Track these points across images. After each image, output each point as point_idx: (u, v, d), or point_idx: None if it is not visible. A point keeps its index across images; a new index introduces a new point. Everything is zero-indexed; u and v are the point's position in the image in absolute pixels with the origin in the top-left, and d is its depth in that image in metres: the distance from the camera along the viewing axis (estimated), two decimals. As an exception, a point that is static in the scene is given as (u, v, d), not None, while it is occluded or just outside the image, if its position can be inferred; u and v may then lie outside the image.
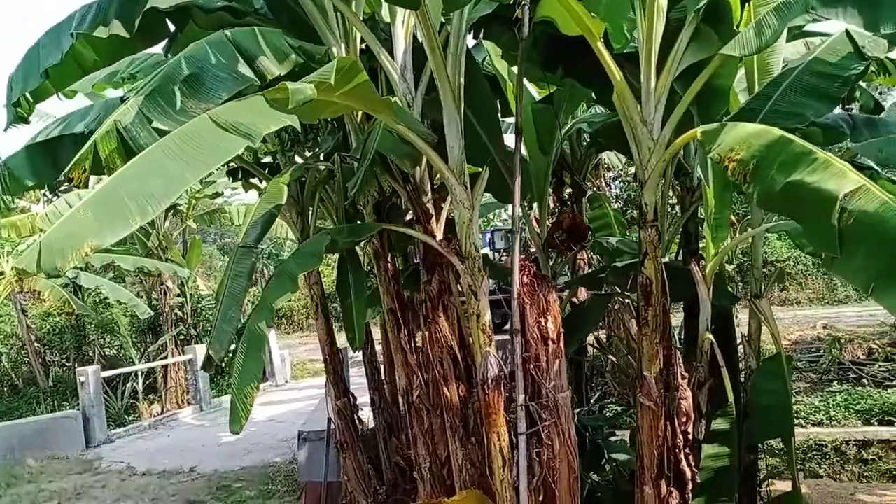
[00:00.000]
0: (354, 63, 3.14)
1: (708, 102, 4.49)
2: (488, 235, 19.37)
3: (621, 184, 12.36)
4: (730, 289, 6.68)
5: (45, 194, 18.94)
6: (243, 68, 3.48)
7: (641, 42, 4.17)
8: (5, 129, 5.85)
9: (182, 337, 16.51)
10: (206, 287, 17.98)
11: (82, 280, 13.02)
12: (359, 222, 4.59)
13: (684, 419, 4.42)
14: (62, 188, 18.22)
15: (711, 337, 4.66)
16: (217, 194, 17.36)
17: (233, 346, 4.17)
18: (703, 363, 4.74)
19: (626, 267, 5.55)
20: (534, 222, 7.46)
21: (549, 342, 4.21)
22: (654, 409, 4.28)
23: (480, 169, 6.41)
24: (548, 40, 5.23)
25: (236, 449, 9.65)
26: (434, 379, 4.87)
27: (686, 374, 4.45)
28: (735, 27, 3.97)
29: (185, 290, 16.68)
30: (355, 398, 6.94)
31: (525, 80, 5.58)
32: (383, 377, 7.49)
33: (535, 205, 6.93)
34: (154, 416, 13.98)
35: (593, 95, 6.74)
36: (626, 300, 6.69)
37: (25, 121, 5.78)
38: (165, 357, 15.86)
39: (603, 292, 6.04)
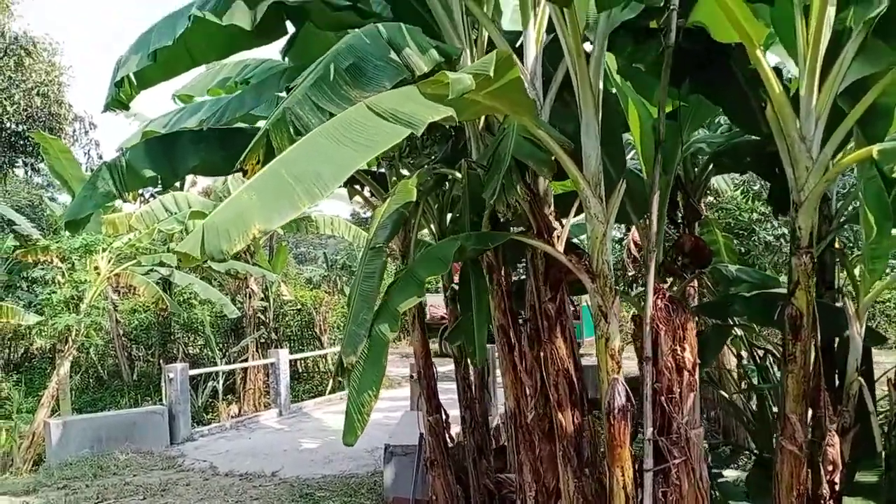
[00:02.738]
0: (510, 56, 2.94)
1: (872, 121, 4.09)
2: None
3: (719, 211, 11.78)
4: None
5: (140, 194, 19.69)
6: (398, 60, 3.33)
7: (802, 53, 3.81)
8: (103, 111, 5.81)
9: (263, 340, 16.72)
10: (289, 293, 18.19)
11: (176, 278, 13.29)
12: (482, 231, 4.36)
13: (831, 468, 4.00)
14: (158, 189, 18.90)
15: (862, 380, 4.21)
16: (304, 202, 17.58)
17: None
18: (850, 407, 4.29)
19: (756, 297, 5.14)
20: (632, 245, 7.11)
21: (685, 373, 3.88)
22: (799, 454, 3.88)
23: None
24: (674, 53, 4.93)
25: (317, 457, 9.57)
26: (547, 403, 4.60)
27: (834, 418, 4.03)
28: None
29: (269, 294, 16.91)
30: (448, 415, 6.71)
31: (640, 97, 5.30)
32: (474, 395, 7.28)
33: (633, 227, 6.59)
34: (232, 417, 14.14)
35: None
36: (747, 332, 6.23)
37: (125, 106, 5.72)
38: (246, 359, 16.07)
39: (724, 323, 5.64)
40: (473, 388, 7.24)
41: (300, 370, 17.50)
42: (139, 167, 5.69)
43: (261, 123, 6.62)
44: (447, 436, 6.65)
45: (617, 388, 3.83)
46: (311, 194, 2.47)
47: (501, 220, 4.58)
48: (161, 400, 15.43)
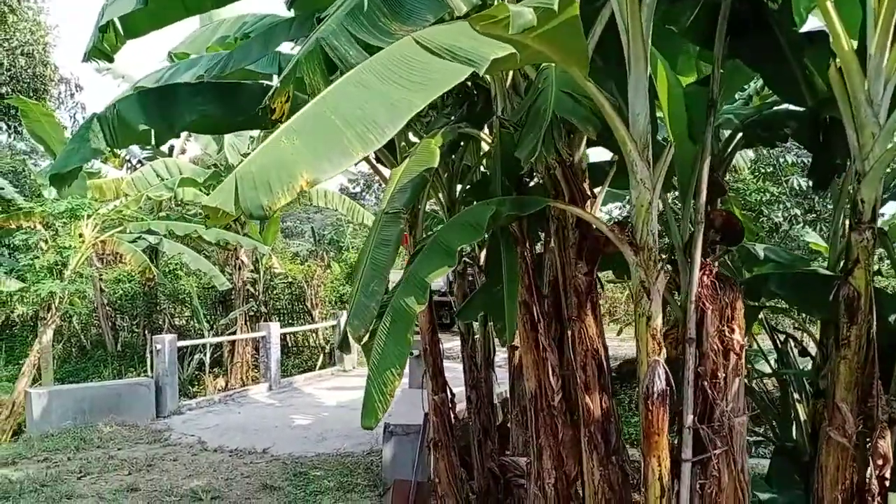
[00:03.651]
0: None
1: (943, 86, 3.75)
2: None
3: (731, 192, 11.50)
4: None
5: (128, 160, 19.12)
6: (441, -9, 2.94)
7: (874, 8, 3.46)
8: (84, 60, 5.28)
9: (252, 313, 16.33)
10: (280, 265, 17.77)
11: (165, 247, 12.85)
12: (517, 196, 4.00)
13: (881, 462, 3.70)
14: (146, 155, 18.35)
15: (915, 367, 3.91)
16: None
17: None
18: (901, 397, 3.99)
19: (793, 277, 4.84)
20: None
21: (732, 356, 3.56)
22: (848, 446, 3.59)
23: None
24: (712, 12, 4.57)
25: (310, 434, 9.25)
26: (574, 385, 4.29)
27: (886, 409, 3.73)
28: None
29: (259, 266, 16.49)
30: (454, 394, 6.39)
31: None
32: (480, 374, 6.97)
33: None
34: (218, 390, 13.79)
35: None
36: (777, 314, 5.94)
37: (109, 57, 5.22)
38: (235, 332, 15.68)
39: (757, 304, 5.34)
40: (480, 366, 6.94)
41: (289, 344, 17.14)
42: (132, 120, 5.28)
43: (274, 79, 6.23)
44: (452, 416, 6.33)
45: (658, 371, 3.50)
46: (364, 141, 2.06)
47: (530, 185, 4.23)
48: (146, 371, 15.06)
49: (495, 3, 3.91)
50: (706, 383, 3.59)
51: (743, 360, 3.63)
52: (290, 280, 17.57)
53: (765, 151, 11.78)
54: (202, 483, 7.06)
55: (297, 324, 16.88)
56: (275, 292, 17.43)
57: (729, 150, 6.83)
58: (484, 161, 6.59)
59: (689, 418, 3.63)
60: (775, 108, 5.73)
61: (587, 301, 4.10)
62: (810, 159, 12.03)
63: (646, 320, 3.55)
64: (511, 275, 3.69)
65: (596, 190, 4.53)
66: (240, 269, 16.10)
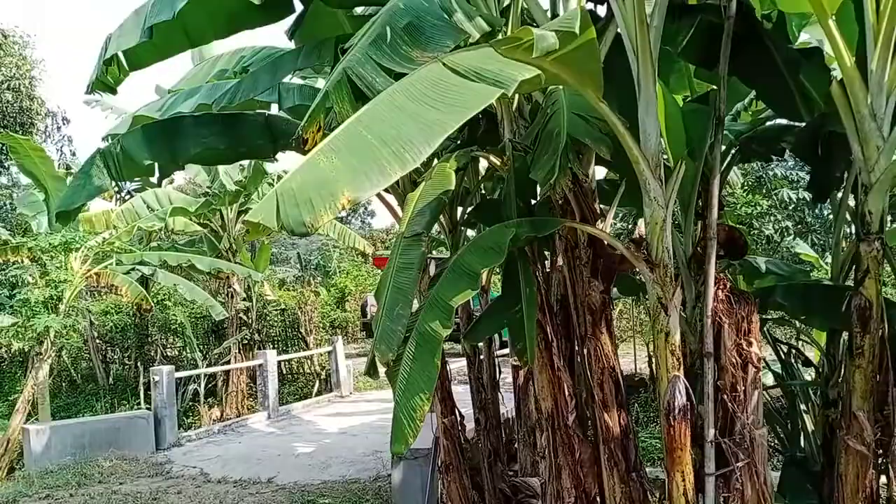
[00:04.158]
0: (586, 13, 2.63)
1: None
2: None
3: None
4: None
5: (117, 192, 19.06)
6: (459, 19, 3.00)
7: (873, 26, 3.57)
8: (87, 92, 5.35)
9: (246, 342, 16.21)
10: (272, 292, 17.68)
11: (160, 277, 12.78)
12: (534, 217, 4.05)
13: (900, 469, 3.75)
14: (135, 186, 18.28)
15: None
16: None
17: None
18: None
19: (797, 289, 4.91)
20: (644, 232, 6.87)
21: (750, 368, 3.61)
22: (867, 454, 3.64)
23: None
24: (708, 31, 4.69)
25: (314, 461, 9.17)
26: (590, 404, 4.32)
27: (902, 416, 3.79)
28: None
29: (252, 294, 16.41)
30: (463, 416, 6.39)
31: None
32: (487, 395, 6.97)
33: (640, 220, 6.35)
34: (214, 421, 13.65)
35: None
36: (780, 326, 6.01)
37: (112, 89, 5.29)
38: (228, 361, 15.55)
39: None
40: (487, 387, 6.94)
41: (284, 372, 17.02)
42: (136, 154, 5.31)
43: (273, 108, 6.27)
44: (464, 438, 6.33)
45: (678, 386, 3.54)
46: (402, 160, 2.11)
47: (543, 206, 4.28)
48: (139, 404, 14.89)
49: (504, 28, 4.00)
50: (726, 396, 3.64)
51: (760, 374, 3.68)
52: (282, 307, 17.49)
53: (752, 165, 11.98)
54: (209, 515, 6.99)
55: (291, 351, 16.78)
56: (268, 320, 17.33)
57: (723, 165, 6.95)
58: (482, 184, 6.66)
59: (711, 432, 3.67)
60: (768, 123, 5.85)
61: (601, 319, 4.14)
62: (798, 172, 12.18)
63: (664, 336, 3.59)
64: (530, 296, 3.72)
65: (609, 209, 4.61)
66: (232, 297, 16.00)
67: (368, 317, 23.14)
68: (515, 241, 3.38)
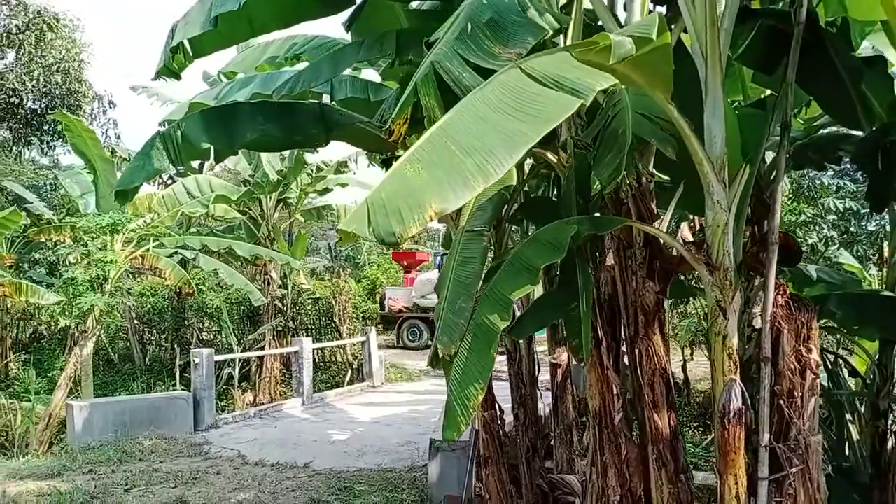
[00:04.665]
0: (662, 18, 2.64)
1: None
2: (438, 258, 22.28)
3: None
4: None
5: (161, 177, 19.37)
6: (534, 16, 3.03)
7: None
8: (153, 79, 5.58)
9: (280, 328, 16.43)
10: (307, 281, 17.89)
11: (201, 262, 13.02)
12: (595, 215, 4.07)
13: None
14: (177, 172, 18.58)
15: None
16: (327, 190, 17.33)
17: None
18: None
19: (850, 297, 4.86)
20: (687, 235, 6.82)
21: (809, 375, 3.59)
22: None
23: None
24: (769, 36, 4.65)
25: (349, 449, 9.30)
26: (637, 404, 4.33)
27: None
28: None
29: (287, 282, 16.61)
30: (503, 411, 6.43)
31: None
32: (527, 391, 7.01)
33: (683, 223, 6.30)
34: (247, 405, 13.87)
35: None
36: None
37: (177, 75, 5.49)
38: (262, 347, 15.77)
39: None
40: (526, 383, 6.97)
41: (316, 360, 17.21)
42: (195, 138, 5.42)
43: (325, 98, 6.35)
44: (503, 432, 6.36)
45: (734, 389, 3.54)
46: (484, 172, 2.12)
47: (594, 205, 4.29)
48: (174, 385, 15.19)
49: (569, 27, 4.01)
50: (782, 402, 3.62)
51: (819, 381, 3.66)
52: (316, 296, 17.68)
53: (797, 173, 11.82)
54: (249, 496, 7.12)
55: (323, 339, 16.97)
56: (302, 308, 17.53)
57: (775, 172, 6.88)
58: (525, 181, 6.68)
59: (766, 437, 3.66)
60: (821, 131, 5.79)
61: (654, 320, 4.14)
62: (846, 182, 11.97)
63: (721, 339, 3.59)
64: (586, 293, 3.74)
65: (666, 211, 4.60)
66: (269, 284, 16.23)
67: (387, 310, 23.34)
68: (576, 238, 3.41)
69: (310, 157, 15.66)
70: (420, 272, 25.72)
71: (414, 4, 5.91)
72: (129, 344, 18.27)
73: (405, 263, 26.81)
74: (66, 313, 10.53)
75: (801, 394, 3.61)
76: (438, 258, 23.51)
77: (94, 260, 10.59)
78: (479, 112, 2.29)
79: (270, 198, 16.13)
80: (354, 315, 18.51)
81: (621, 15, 4.65)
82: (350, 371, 16.03)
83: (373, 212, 2.11)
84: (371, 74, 7.62)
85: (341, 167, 16.71)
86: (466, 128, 2.25)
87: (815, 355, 3.59)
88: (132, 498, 7.17)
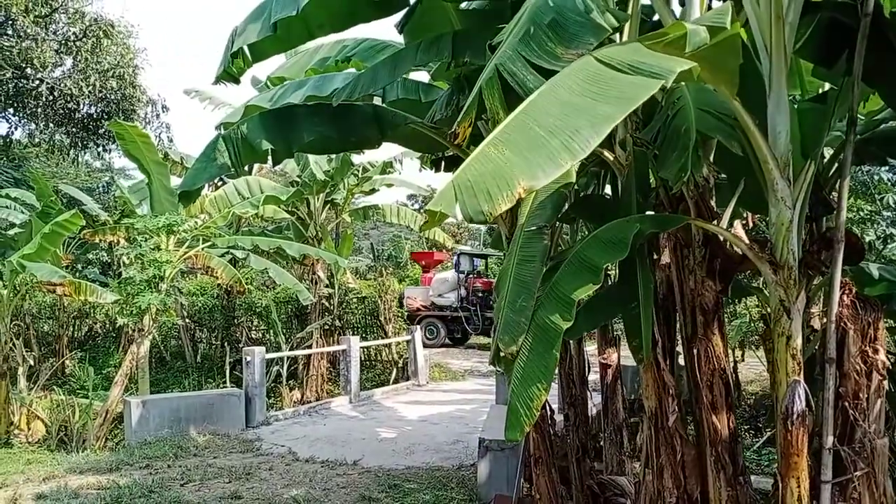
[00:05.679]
0: (732, 9, 2.62)
1: None
2: (455, 258, 22.58)
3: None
4: None
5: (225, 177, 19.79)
6: (595, 16, 3.03)
7: None
8: (214, 83, 5.71)
9: (327, 327, 16.63)
10: (354, 281, 18.07)
11: (252, 261, 13.27)
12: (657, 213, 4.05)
13: None
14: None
15: None
16: (374, 190, 17.49)
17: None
18: None
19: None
20: (741, 234, 6.70)
21: (875, 376, 3.52)
22: None
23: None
24: (830, 29, 4.55)
25: (397, 447, 9.37)
26: (694, 405, 4.28)
27: None
28: None
29: (334, 281, 16.81)
30: (553, 411, 6.41)
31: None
32: (577, 392, 6.99)
33: (736, 220, 6.19)
34: (294, 403, 14.09)
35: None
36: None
37: (236, 79, 5.62)
38: (310, 345, 15.99)
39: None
40: (576, 383, 6.95)
41: (362, 358, 17.37)
42: (254, 140, 5.56)
43: (376, 100, 6.42)
44: (553, 432, 6.35)
45: (798, 391, 3.48)
46: (570, 150, 2.16)
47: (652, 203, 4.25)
48: (224, 382, 15.52)
49: (627, 23, 3.99)
50: (847, 404, 3.55)
51: (885, 383, 3.57)
52: (362, 295, 17.85)
53: (854, 169, 11.48)
54: (301, 492, 7.23)
55: (369, 338, 17.13)
56: (348, 307, 17.71)
57: (842, 166, 6.71)
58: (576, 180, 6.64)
59: (830, 439, 3.58)
60: (882, 125, 5.64)
61: (714, 320, 4.10)
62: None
63: (785, 340, 3.53)
64: (646, 294, 3.72)
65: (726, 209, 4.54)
66: (316, 283, 16.45)
67: (405, 309, 23.56)
68: (639, 236, 3.39)
69: (356, 158, 15.84)
70: (437, 272, 26.01)
71: (464, 4, 5.95)
72: (180, 342, 18.70)
73: (423, 263, 27.16)
74: (124, 312, 10.84)
75: (866, 395, 3.54)
76: (456, 257, 23.92)
77: (151, 260, 10.87)
78: (560, 97, 2.32)
79: (318, 198, 16.36)
80: (399, 314, 18.64)
81: (676, 10, 4.61)
82: (395, 369, 16.15)
83: (459, 192, 2.14)
84: (420, 75, 7.67)
85: (387, 167, 16.88)
86: (548, 111, 2.29)
87: (881, 356, 3.51)
88: (188, 492, 7.35)
